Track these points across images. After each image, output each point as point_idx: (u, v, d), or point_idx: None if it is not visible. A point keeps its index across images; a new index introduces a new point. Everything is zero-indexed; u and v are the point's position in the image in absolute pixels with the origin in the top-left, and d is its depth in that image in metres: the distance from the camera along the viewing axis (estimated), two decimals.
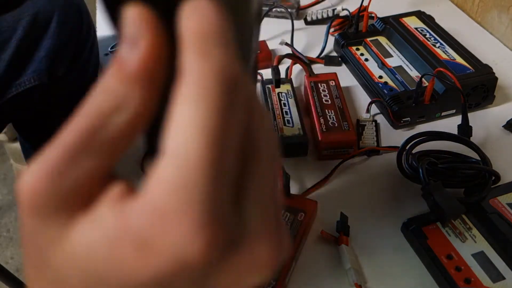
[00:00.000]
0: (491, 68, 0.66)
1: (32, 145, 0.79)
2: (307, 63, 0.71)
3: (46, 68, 0.66)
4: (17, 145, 1.25)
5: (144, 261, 0.16)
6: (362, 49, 0.74)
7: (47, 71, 0.67)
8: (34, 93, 0.68)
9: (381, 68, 0.70)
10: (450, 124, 0.63)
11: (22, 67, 0.64)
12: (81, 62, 0.72)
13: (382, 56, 0.71)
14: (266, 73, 0.68)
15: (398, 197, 0.56)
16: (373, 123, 0.63)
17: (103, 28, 0.86)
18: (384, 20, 0.77)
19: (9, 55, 0.62)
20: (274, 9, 0.84)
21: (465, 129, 0.60)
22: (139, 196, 0.17)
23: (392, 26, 0.75)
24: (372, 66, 0.70)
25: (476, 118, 0.64)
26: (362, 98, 0.69)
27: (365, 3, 0.78)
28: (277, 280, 0.45)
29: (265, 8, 0.84)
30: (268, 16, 0.84)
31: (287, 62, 0.73)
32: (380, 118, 0.66)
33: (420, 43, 0.71)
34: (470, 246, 0.48)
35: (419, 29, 0.74)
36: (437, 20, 0.77)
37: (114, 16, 0.18)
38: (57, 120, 0.86)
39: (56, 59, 0.67)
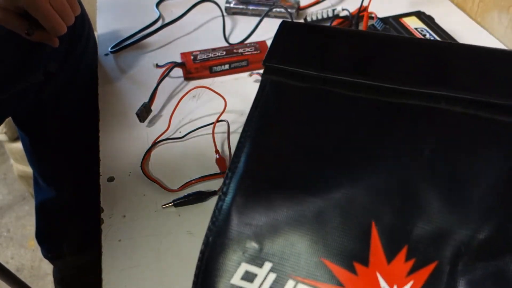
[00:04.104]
0: None
1: (30, 139, 0.79)
2: None
3: (42, 63, 0.66)
4: (17, 145, 1.25)
5: None
6: None
7: (42, 67, 0.66)
8: (30, 89, 0.67)
9: None
10: None
11: (24, 63, 0.64)
12: (73, 58, 0.71)
13: None
14: None
15: None
16: None
17: (103, 28, 0.86)
18: (384, 20, 0.77)
19: (13, 50, 0.62)
20: (274, 9, 0.84)
21: None
22: None
23: (392, 26, 0.75)
24: None
25: None
26: None
27: (365, 3, 0.78)
28: None
29: (265, 8, 0.84)
30: (268, 16, 0.84)
31: None
32: None
33: None
34: None
35: (419, 29, 0.74)
36: (437, 20, 0.77)
37: None
38: (50, 116, 0.86)
39: (49, 54, 0.66)
